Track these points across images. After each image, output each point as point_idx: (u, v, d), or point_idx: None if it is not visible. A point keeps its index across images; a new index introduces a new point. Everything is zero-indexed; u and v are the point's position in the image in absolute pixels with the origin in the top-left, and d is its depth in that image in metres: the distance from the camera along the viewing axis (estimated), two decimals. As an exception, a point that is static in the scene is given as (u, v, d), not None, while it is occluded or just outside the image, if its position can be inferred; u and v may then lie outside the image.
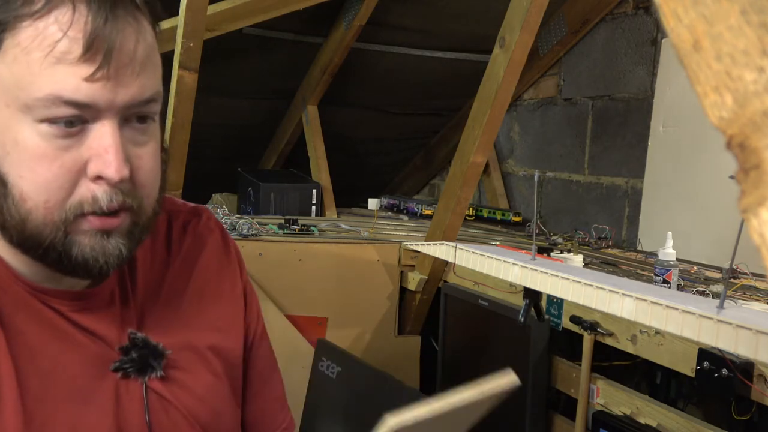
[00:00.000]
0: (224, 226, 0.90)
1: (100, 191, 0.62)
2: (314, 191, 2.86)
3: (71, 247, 0.64)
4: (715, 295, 1.59)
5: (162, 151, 0.70)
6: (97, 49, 0.59)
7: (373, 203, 3.27)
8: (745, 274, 1.78)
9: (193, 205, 0.88)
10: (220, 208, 2.48)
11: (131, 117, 0.64)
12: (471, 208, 2.95)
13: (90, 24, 0.59)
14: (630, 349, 1.52)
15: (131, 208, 0.65)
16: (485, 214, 3.01)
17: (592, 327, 1.60)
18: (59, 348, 0.68)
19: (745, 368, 1.24)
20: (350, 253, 2.26)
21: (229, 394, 0.82)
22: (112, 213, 0.64)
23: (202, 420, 0.77)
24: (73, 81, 0.60)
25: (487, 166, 3.07)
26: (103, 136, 0.62)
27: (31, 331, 0.67)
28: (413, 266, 2.30)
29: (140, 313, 0.75)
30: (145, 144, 0.66)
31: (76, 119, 0.61)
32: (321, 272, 2.22)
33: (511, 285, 1.71)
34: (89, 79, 0.60)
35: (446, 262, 2.10)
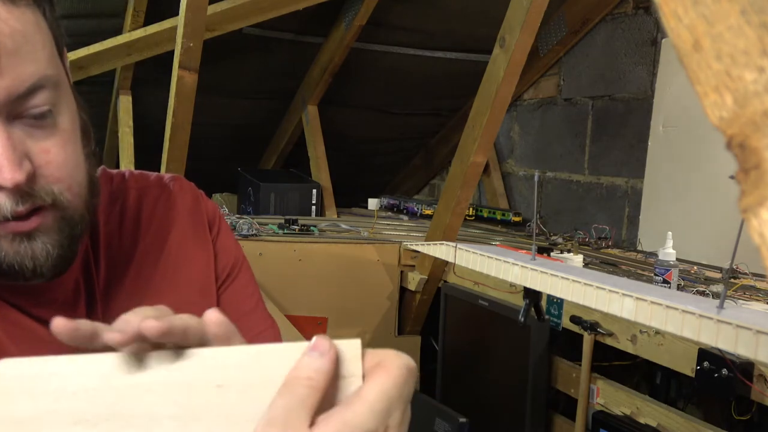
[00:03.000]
0: (201, 191, 0.84)
1: (2, 198, 0.58)
2: (314, 191, 2.86)
3: None
4: (715, 295, 1.59)
5: (83, 136, 0.65)
6: None
7: (373, 203, 3.27)
8: (745, 274, 1.78)
9: (168, 176, 0.83)
10: (221, 208, 2.48)
11: (22, 112, 0.59)
12: (471, 208, 2.96)
13: None
14: (630, 349, 1.52)
15: (49, 206, 0.61)
16: (485, 214, 3.01)
17: (592, 327, 1.60)
18: (25, 344, 0.66)
19: (745, 368, 1.24)
20: (350, 253, 2.26)
21: None
22: (25, 216, 0.60)
23: None
24: None
25: (487, 166, 3.07)
26: None
27: None
28: (413, 266, 2.30)
29: (106, 302, 0.72)
30: (49, 136, 0.61)
31: None
32: (321, 272, 2.22)
33: (511, 285, 1.71)
34: None
35: (446, 262, 2.10)
